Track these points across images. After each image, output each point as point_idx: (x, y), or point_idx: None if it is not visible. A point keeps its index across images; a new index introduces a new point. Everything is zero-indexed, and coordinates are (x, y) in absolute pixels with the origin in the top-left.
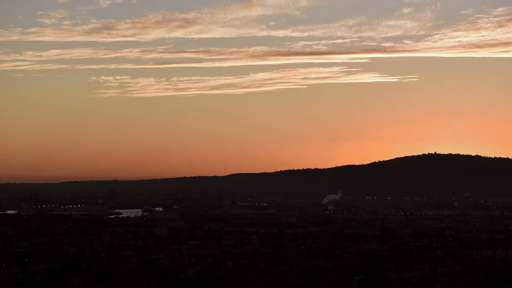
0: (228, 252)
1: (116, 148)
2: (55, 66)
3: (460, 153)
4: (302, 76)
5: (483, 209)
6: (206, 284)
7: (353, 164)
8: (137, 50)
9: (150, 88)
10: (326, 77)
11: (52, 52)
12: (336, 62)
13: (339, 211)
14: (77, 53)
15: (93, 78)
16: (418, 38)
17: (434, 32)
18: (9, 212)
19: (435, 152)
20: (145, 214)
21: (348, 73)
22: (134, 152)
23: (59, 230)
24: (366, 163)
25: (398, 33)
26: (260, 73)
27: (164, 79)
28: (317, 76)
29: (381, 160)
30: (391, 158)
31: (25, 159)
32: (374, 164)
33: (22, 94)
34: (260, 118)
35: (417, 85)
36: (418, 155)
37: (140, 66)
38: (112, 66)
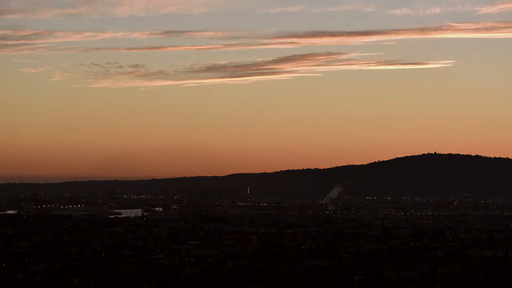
0: (228, 252)
1: (116, 148)
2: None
3: (460, 153)
4: (316, 63)
5: (483, 209)
6: (206, 284)
7: (353, 164)
8: (129, 30)
9: (145, 78)
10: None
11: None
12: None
13: (339, 211)
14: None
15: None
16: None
17: None
18: (9, 212)
19: (435, 152)
20: (145, 214)
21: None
22: (134, 152)
23: (59, 230)
24: (366, 163)
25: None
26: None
27: (159, 63)
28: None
29: (381, 160)
30: (391, 158)
31: (25, 159)
32: (374, 164)
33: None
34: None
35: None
36: (418, 155)
37: (133, 51)
38: (101, 50)
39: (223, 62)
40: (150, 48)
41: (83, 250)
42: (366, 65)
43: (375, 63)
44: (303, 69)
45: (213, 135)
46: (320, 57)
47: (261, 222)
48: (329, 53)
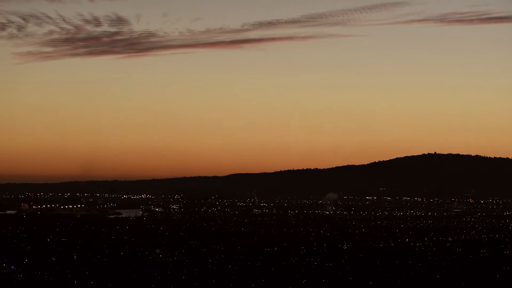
0: (228, 252)
1: (116, 148)
2: None
3: (460, 153)
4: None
5: (483, 209)
6: (206, 283)
7: (353, 164)
8: None
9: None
10: None
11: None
12: None
13: (339, 211)
14: None
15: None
16: None
17: None
18: (9, 212)
19: (435, 152)
20: (145, 214)
21: None
22: (134, 152)
23: (59, 230)
24: (366, 163)
25: None
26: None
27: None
28: None
29: (381, 160)
30: (391, 158)
31: (25, 159)
32: (374, 164)
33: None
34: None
35: None
36: (418, 155)
37: None
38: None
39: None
40: None
41: (84, 250)
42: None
43: None
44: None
45: (213, 135)
46: None
47: (261, 222)
48: None
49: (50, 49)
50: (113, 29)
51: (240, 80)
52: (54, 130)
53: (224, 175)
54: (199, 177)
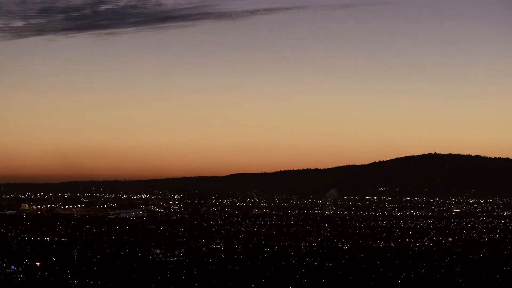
0: (228, 252)
1: (116, 148)
2: None
3: (460, 153)
4: None
5: (483, 209)
6: (206, 283)
7: (353, 164)
8: None
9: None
10: None
11: None
12: None
13: (339, 211)
14: None
15: None
16: None
17: None
18: (9, 212)
19: (435, 152)
20: (145, 214)
21: None
22: (134, 152)
23: (59, 230)
24: (366, 163)
25: None
26: None
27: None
28: None
29: (381, 160)
30: (391, 158)
31: (26, 159)
32: (374, 164)
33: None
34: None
35: None
36: (418, 155)
37: None
38: None
39: None
40: None
41: (84, 250)
42: None
43: None
44: None
45: (213, 134)
46: None
47: (261, 222)
48: None
49: (21, 23)
50: None
51: (243, 72)
52: (54, 130)
53: (224, 175)
54: (199, 177)
